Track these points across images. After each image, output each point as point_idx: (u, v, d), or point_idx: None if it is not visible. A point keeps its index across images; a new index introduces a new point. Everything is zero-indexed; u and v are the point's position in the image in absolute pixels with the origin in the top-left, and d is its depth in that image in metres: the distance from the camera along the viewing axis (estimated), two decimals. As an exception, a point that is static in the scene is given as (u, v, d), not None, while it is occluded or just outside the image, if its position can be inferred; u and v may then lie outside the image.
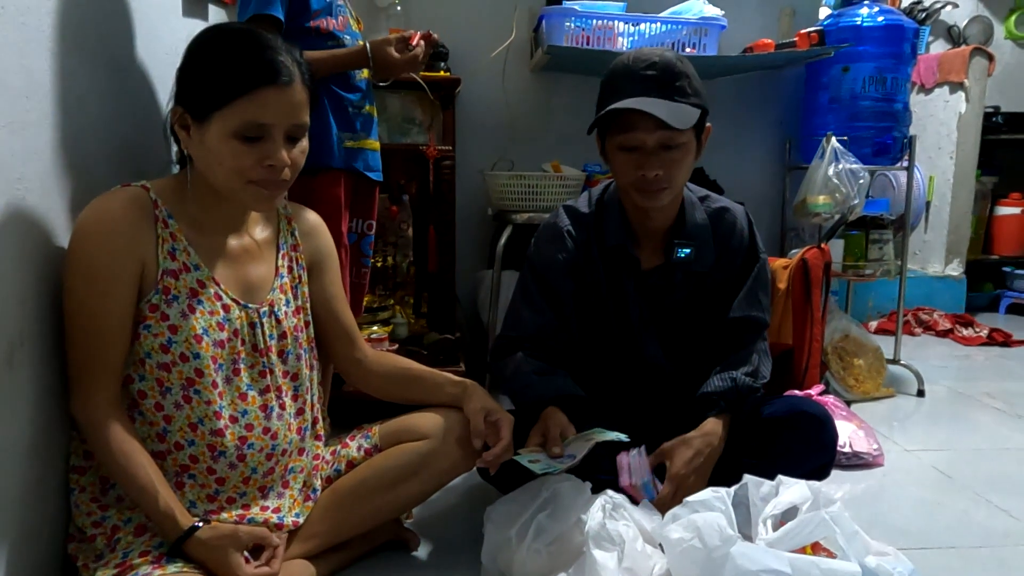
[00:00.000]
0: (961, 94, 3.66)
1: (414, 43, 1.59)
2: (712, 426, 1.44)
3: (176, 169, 1.24)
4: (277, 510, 1.24)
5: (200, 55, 1.14)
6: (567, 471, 1.33)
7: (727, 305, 1.56)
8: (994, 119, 3.87)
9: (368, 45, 1.56)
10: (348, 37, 1.63)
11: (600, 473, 1.38)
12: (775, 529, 1.16)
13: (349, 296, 1.61)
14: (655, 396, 1.58)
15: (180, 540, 1.09)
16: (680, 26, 2.53)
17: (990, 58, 3.67)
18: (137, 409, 1.15)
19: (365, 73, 1.66)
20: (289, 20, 1.51)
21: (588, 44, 2.47)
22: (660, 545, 1.20)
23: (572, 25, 2.45)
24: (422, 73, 2.36)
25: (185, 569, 1.07)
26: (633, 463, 1.38)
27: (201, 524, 1.11)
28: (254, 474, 1.21)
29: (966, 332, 3.48)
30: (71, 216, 1.17)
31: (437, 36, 1.66)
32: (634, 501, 1.33)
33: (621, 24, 2.49)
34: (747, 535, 1.17)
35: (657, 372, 1.58)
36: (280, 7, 1.48)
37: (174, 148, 1.25)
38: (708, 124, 1.48)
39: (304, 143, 1.18)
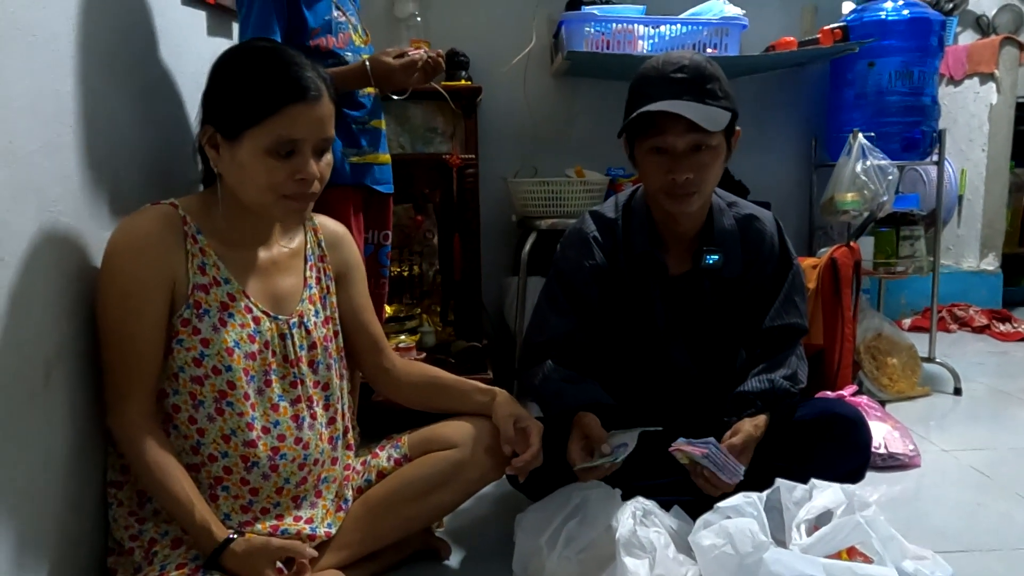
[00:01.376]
0: (992, 85, 3.59)
1: (411, 52, 1.59)
2: (751, 424, 1.42)
3: (201, 188, 1.27)
4: (310, 520, 1.25)
5: (226, 75, 1.16)
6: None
7: (761, 313, 1.55)
8: (1027, 109, 3.78)
9: (366, 60, 1.56)
10: (349, 54, 1.62)
11: (628, 479, 1.37)
12: (809, 534, 1.14)
13: None
14: (682, 402, 1.57)
15: (216, 553, 1.11)
16: (701, 27, 2.51)
17: (1021, 47, 3.60)
18: (171, 423, 1.17)
19: (368, 88, 1.67)
20: (287, 40, 1.51)
21: (608, 48, 2.46)
22: (692, 552, 1.19)
23: (592, 30, 2.45)
24: (444, 83, 2.38)
25: (220, 581, 1.09)
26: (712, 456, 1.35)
27: (235, 536, 1.12)
28: (287, 484, 1.22)
29: (1003, 327, 3.40)
30: (104, 236, 1.19)
31: (440, 52, 1.65)
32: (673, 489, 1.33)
33: (641, 27, 2.49)
34: (780, 541, 1.16)
35: (684, 378, 1.57)
36: (277, 30, 1.49)
37: (199, 166, 1.27)
38: (738, 128, 1.47)
39: (329, 156, 1.20)
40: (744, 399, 1.46)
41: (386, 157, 1.75)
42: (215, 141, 1.15)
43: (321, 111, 1.15)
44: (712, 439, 1.36)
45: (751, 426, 1.41)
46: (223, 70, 1.17)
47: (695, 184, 1.41)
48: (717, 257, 1.51)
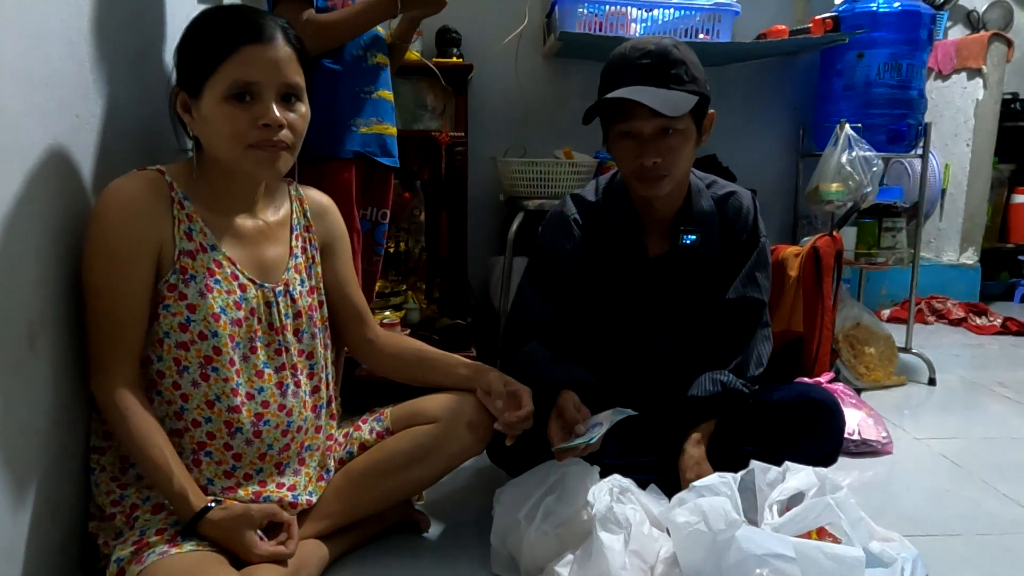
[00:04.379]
0: (979, 80, 3.62)
1: None
2: (699, 435, 1.47)
3: (191, 155, 1.27)
4: (293, 488, 1.27)
5: (188, 35, 1.18)
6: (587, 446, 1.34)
7: (727, 286, 1.57)
8: (1012, 106, 3.83)
9: None
10: None
11: (607, 457, 1.40)
12: (781, 514, 1.17)
13: (361, 283, 1.62)
14: (662, 381, 1.59)
15: (193, 521, 1.11)
16: (693, 12, 2.52)
17: (1009, 44, 3.63)
18: (155, 389, 1.17)
19: (379, 58, 1.66)
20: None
21: (601, 30, 2.46)
22: (667, 529, 1.22)
23: (585, 11, 2.45)
24: (435, 60, 2.38)
25: (200, 547, 1.10)
26: None
27: (213, 505, 1.13)
28: (270, 450, 1.23)
29: (980, 321, 3.46)
30: (90, 201, 1.19)
31: None
32: None
33: (634, 10, 2.49)
34: (753, 520, 1.18)
35: (664, 358, 1.59)
36: None
37: (184, 140, 1.27)
38: (711, 111, 1.49)
39: (303, 108, 1.20)
40: (694, 405, 1.49)
41: (393, 129, 1.74)
42: (186, 103, 1.16)
43: (276, 52, 1.14)
44: None
45: (690, 459, 1.44)
46: (186, 32, 1.19)
47: (664, 168, 1.42)
48: (695, 237, 1.53)
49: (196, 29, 1.17)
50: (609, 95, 1.39)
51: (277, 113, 1.14)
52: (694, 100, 1.41)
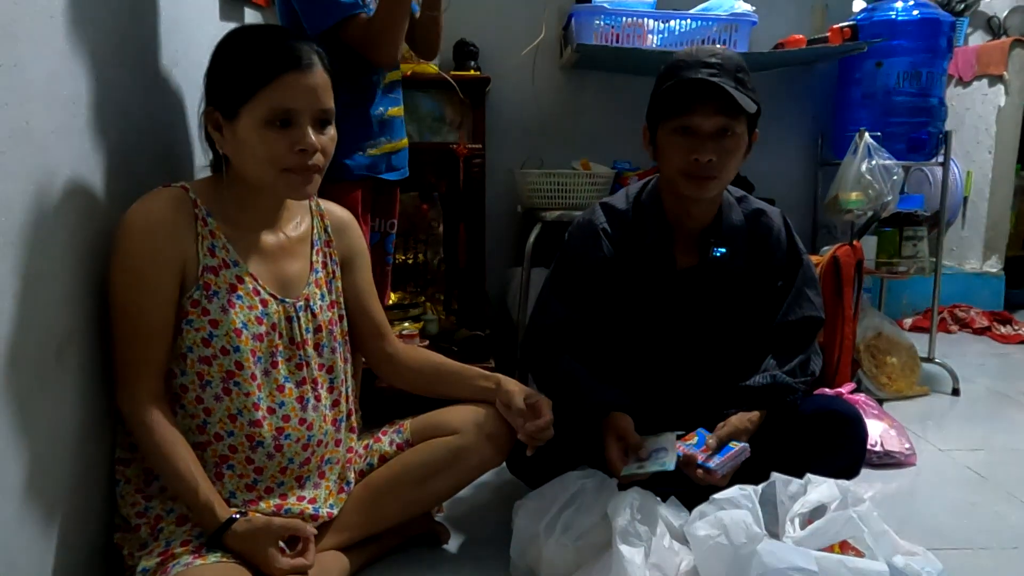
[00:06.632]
0: (1000, 87, 3.59)
1: None
2: (743, 419, 1.45)
3: (210, 172, 1.28)
4: (313, 500, 1.28)
5: (223, 55, 1.19)
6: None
7: (768, 308, 1.56)
8: (1035, 112, 3.77)
9: None
10: None
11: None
12: (803, 528, 1.16)
13: None
14: (687, 394, 1.58)
15: (218, 532, 1.13)
16: (711, 22, 2.52)
17: (1031, 50, 3.59)
18: (179, 402, 1.19)
19: (389, 75, 1.67)
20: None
21: (618, 42, 2.47)
22: (687, 541, 1.21)
23: (601, 23, 2.46)
24: (453, 73, 2.40)
25: (224, 559, 1.11)
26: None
27: (238, 517, 1.14)
28: (291, 464, 1.24)
29: (1004, 330, 3.41)
30: (116, 217, 1.21)
31: None
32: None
33: (651, 21, 2.49)
34: (774, 533, 1.17)
35: (689, 371, 1.59)
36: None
37: (209, 155, 1.28)
38: (756, 129, 1.50)
39: (332, 131, 1.22)
40: (744, 393, 1.48)
41: (404, 142, 1.75)
42: (218, 122, 1.18)
43: (315, 80, 1.17)
44: (702, 430, 1.42)
45: (738, 420, 1.44)
46: (220, 52, 1.20)
47: (716, 168, 1.42)
48: (724, 250, 1.53)
49: (233, 51, 1.18)
50: (688, 75, 1.39)
51: (313, 139, 1.16)
52: (756, 106, 1.42)
